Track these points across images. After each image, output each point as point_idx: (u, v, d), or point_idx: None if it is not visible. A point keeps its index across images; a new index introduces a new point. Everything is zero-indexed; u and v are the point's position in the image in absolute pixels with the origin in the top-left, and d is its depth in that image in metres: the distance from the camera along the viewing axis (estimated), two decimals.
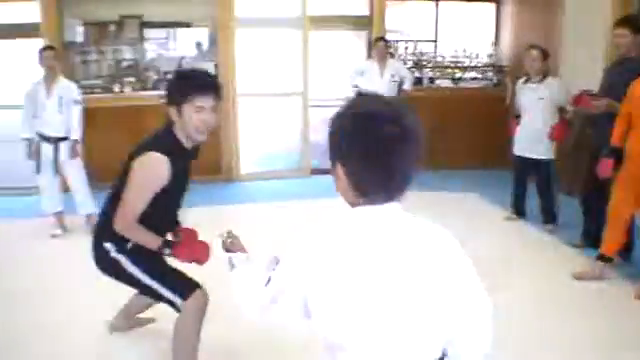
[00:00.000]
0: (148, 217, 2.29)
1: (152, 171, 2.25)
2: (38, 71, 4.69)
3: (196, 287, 2.38)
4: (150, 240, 2.32)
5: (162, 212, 2.36)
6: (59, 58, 4.95)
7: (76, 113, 4.72)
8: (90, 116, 5.74)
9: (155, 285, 2.38)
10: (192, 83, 2.23)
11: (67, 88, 4.73)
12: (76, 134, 4.73)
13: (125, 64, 6.14)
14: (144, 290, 2.46)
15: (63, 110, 4.67)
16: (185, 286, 2.38)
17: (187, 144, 2.33)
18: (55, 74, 4.69)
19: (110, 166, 5.87)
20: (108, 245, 2.38)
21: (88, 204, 4.87)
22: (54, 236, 4.78)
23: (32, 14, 5.80)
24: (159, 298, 2.42)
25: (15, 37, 5.94)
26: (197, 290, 2.37)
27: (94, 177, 5.12)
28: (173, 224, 2.58)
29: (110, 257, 2.38)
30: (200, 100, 2.20)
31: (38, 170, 4.75)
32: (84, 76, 6.04)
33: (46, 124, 4.69)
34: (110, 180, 5.82)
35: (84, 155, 4.99)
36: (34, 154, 4.74)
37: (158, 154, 2.23)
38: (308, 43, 6.32)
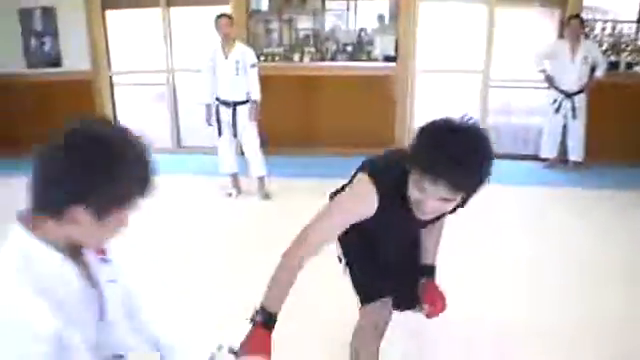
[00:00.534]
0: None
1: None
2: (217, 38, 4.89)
3: (373, 300, 2.08)
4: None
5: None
6: (235, 25, 5.15)
7: (254, 76, 4.90)
8: (268, 83, 5.93)
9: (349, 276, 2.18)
10: (427, 157, 1.60)
11: (244, 53, 4.91)
12: (256, 95, 4.92)
13: (305, 34, 6.27)
14: None
15: (240, 74, 4.86)
16: (366, 294, 2.12)
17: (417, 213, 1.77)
18: (231, 40, 4.88)
19: (284, 133, 6.22)
20: None
21: (260, 167, 5.10)
22: (229, 195, 5.15)
23: None
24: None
25: (205, 4, 6.29)
26: (372, 304, 2.08)
27: (267, 143, 5.32)
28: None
29: None
30: (426, 183, 1.61)
31: (220, 134, 5.02)
32: (266, 44, 6.30)
33: (224, 89, 4.91)
34: (283, 147, 6.13)
35: (260, 120, 5.15)
36: (212, 119, 5.00)
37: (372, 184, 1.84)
38: (494, 19, 6.06)
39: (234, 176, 5.18)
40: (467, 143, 1.57)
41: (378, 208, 1.82)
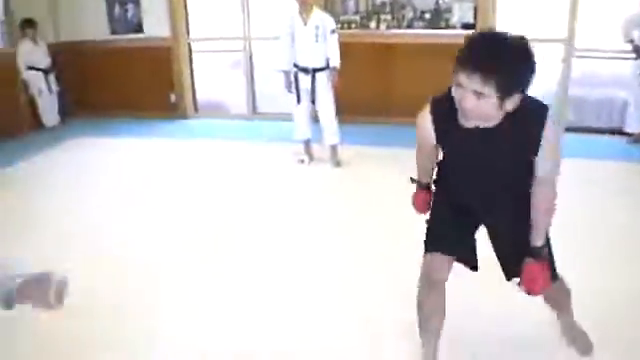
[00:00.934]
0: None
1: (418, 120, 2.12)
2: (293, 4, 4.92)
3: (434, 249, 2.15)
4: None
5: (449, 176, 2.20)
6: None
7: (334, 42, 4.94)
8: (344, 51, 6.03)
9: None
10: (463, 53, 1.78)
11: (323, 19, 4.95)
12: (335, 61, 4.97)
13: (382, 1, 6.26)
14: None
15: (320, 40, 4.91)
16: (426, 240, 2.20)
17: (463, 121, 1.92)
18: (309, 7, 4.90)
19: (358, 101, 6.37)
20: None
21: (335, 135, 5.20)
22: (302, 162, 5.29)
23: None
24: None
25: None
26: (431, 253, 2.16)
27: (342, 111, 5.41)
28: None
29: None
30: (461, 76, 1.75)
31: (299, 101, 5.11)
32: (342, 11, 6.38)
33: (303, 55, 4.96)
34: (361, 115, 6.21)
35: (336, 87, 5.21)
36: (291, 86, 5.09)
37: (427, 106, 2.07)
38: None
39: (307, 143, 5.31)
40: (504, 43, 1.74)
41: (437, 128, 2.02)
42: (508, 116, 1.85)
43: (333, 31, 4.96)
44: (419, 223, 2.27)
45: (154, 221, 4.10)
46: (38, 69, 6.77)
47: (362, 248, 3.52)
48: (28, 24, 6.58)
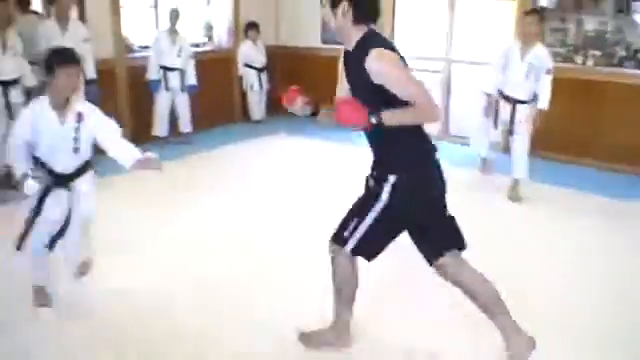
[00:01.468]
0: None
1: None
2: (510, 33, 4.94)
3: None
4: None
5: None
6: (542, 24, 5.15)
7: (546, 82, 4.81)
8: None
9: None
10: None
11: (540, 58, 4.83)
12: (544, 103, 4.84)
13: (592, 35, 6.06)
14: None
15: (530, 78, 4.84)
16: None
17: None
18: (532, 43, 4.83)
19: (557, 138, 6.20)
20: None
21: (522, 170, 5.11)
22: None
23: None
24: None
25: None
26: None
27: (537, 146, 5.48)
28: None
29: None
30: None
31: (495, 126, 5.15)
32: (549, 43, 6.26)
33: (509, 86, 4.95)
34: (556, 152, 5.87)
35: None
36: (491, 110, 5.11)
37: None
38: None
39: (484, 161, 5.41)
40: None
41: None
42: (357, 44, 2.35)
43: (549, 71, 4.83)
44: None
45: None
46: (254, 67, 7.78)
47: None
48: (251, 27, 7.58)
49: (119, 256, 3.81)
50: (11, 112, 4.90)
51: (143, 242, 4.13)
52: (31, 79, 5.09)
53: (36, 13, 5.88)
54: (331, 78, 7.85)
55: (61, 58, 2.87)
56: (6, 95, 4.88)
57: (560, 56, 6.20)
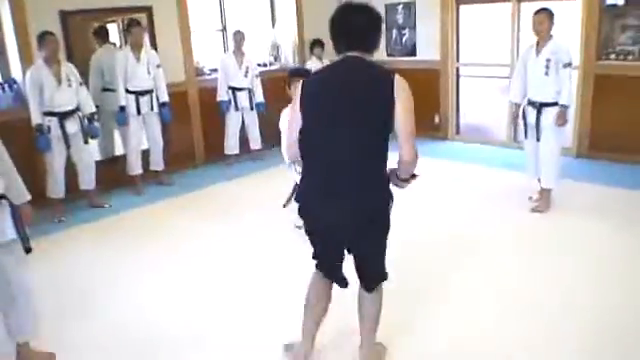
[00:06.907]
0: None
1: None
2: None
3: None
4: None
5: None
6: (588, 21, 5.52)
7: (565, 77, 4.68)
8: (615, 82, 6.06)
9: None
10: None
11: (556, 51, 4.71)
12: (564, 99, 4.72)
13: None
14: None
15: (550, 74, 4.71)
16: None
17: None
18: (544, 37, 4.75)
19: (614, 137, 6.21)
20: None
21: (550, 180, 4.97)
22: (529, 198, 5.22)
23: None
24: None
25: None
26: None
27: (602, 147, 5.68)
28: None
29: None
30: None
31: (525, 135, 5.06)
32: (620, 41, 6.18)
33: (532, 88, 4.87)
34: (608, 151, 5.68)
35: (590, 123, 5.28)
36: (516, 118, 5.08)
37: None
38: None
39: (540, 181, 5.10)
40: None
41: None
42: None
43: (566, 65, 4.70)
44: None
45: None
46: None
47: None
48: (316, 44, 7.90)
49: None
50: (68, 142, 5.36)
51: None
52: (90, 106, 5.52)
53: (114, 44, 6.40)
54: None
55: None
56: (62, 126, 5.29)
57: (632, 54, 6.12)
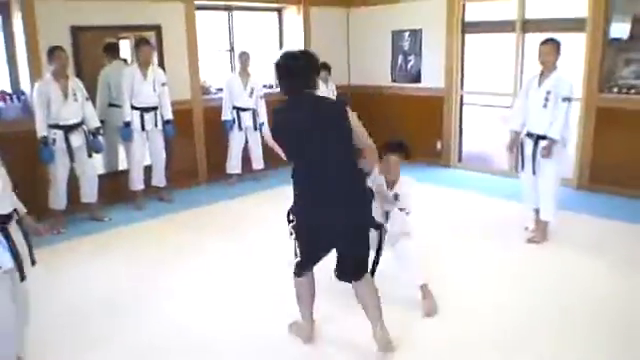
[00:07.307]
0: None
1: None
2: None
3: None
4: None
5: None
6: (591, 53, 5.54)
7: (561, 110, 4.63)
8: (615, 115, 6.11)
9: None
10: None
11: (558, 84, 4.67)
12: (554, 132, 4.65)
13: None
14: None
15: (549, 106, 4.68)
16: None
17: None
18: (549, 67, 4.72)
19: (613, 169, 6.24)
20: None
21: (548, 212, 4.91)
22: (525, 229, 5.16)
23: (579, 9, 6.36)
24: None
25: (560, 31, 6.40)
26: None
27: (603, 179, 5.71)
28: None
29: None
30: None
31: (522, 167, 5.00)
32: (623, 75, 6.24)
33: (530, 119, 4.84)
34: (607, 185, 5.68)
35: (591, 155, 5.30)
36: (513, 147, 5.01)
37: None
38: None
39: (537, 211, 5.07)
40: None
41: None
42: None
43: (565, 99, 4.66)
44: None
45: None
46: None
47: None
48: (322, 68, 8.01)
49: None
50: (72, 155, 5.46)
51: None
52: (95, 121, 5.61)
53: (124, 60, 6.51)
54: (401, 116, 8.12)
55: None
56: (67, 139, 5.39)
57: (635, 88, 6.18)
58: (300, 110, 2.94)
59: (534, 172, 4.92)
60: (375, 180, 3.57)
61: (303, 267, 3.20)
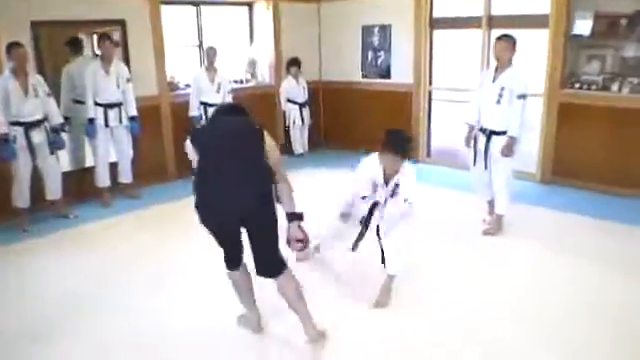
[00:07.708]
0: None
1: None
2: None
3: None
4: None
5: None
6: (553, 50, 5.63)
7: (517, 107, 4.66)
8: (580, 112, 6.19)
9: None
10: None
11: (512, 81, 4.69)
12: (513, 130, 4.71)
13: (632, 63, 6.01)
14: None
15: (503, 103, 4.71)
16: None
17: None
18: (504, 63, 4.70)
19: (587, 166, 6.34)
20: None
21: (502, 206, 5.01)
22: (483, 221, 5.26)
23: (542, 6, 6.39)
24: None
25: (524, 27, 6.41)
26: None
27: (566, 173, 5.72)
28: None
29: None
30: None
31: (474, 162, 5.06)
32: (585, 71, 6.30)
33: (484, 115, 4.89)
34: (577, 180, 5.63)
35: (553, 150, 5.36)
36: (470, 142, 5.03)
37: None
38: None
39: (490, 203, 5.19)
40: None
41: None
42: None
43: (520, 96, 4.67)
44: None
45: None
46: (296, 102, 8.19)
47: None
48: (292, 63, 8.02)
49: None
50: (34, 152, 5.42)
51: None
52: (57, 118, 5.58)
53: (90, 55, 6.52)
54: (370, 111, 8.18)
55: None
56: (28, 136, 5.35)
57: (596, 84, 6.26)
58: (220, 124, 3.27)
59: (486, 167, 4.96)
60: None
61: (228, 259, 3.32)
